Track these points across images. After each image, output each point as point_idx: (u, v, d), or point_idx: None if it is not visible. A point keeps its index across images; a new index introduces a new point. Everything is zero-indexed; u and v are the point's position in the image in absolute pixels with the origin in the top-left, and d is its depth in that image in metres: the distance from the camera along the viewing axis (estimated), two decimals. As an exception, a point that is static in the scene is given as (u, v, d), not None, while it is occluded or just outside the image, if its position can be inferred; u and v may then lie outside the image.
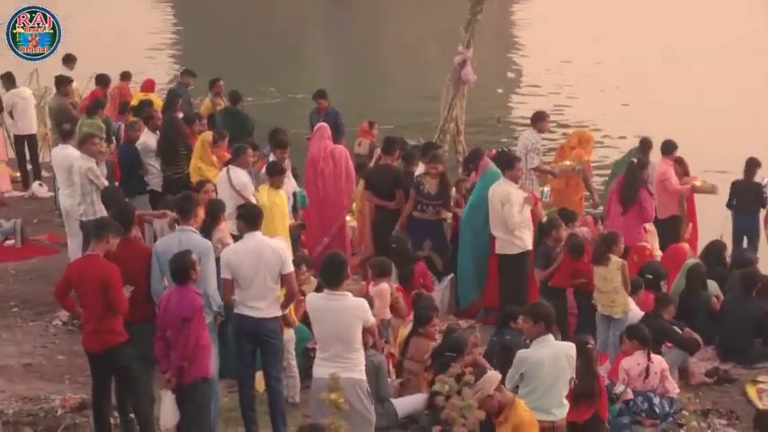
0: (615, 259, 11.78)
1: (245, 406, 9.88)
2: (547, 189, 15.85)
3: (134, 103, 17.35)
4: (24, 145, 17.77)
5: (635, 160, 14.30)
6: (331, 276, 8.83)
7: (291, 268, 9.76)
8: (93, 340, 9.26)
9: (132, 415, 9.62)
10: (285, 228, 12.26)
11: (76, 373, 10.82)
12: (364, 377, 8.83)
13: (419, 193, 13.60)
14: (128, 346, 9.22)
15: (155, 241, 11.68)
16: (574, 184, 14.97)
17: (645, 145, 15.23)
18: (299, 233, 13.30)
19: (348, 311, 8.68)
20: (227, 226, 11.37)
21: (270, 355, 9.72)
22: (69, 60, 18.65)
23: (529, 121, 16.61)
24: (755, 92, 26.58)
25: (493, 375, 7.48)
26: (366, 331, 8.91)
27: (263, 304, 9.56)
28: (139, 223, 11.92)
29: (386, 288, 11.60)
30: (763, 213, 15.19)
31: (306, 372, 10.13)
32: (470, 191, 13.86)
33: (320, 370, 8.71)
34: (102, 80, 18.22)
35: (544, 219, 13.65)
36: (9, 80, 17.84)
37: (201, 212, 11.22)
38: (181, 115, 15.41)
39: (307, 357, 10.64)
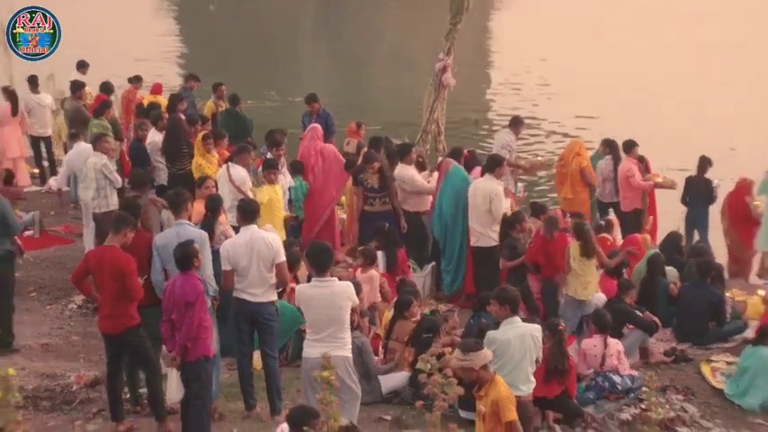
0: (580, 245, 11.92)
1: (244, 382, 9.95)
2: (521, 185, 16.00)
3: (145, 104, 17.45)
4: (40, 144, 17.77)
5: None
6: (319, 263, 8.97)
7: (283, 258, 9.80)
8: (109, 323, 9.33)
9: (141, 390, 9.74)
10: (280, 220, 12.36)
11: (90, 352, 10.87)
12: (351, 355, 8.99)
13: (365, 189, 13.83)
14: (140, 328, 9.30)
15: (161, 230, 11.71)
16: (581, 189, 15.05)
17: (612, 146, 15.28)
18: (294, 224, 13.42)
19: (338, 295, 8.83)
20: (228, 218, 11.45)
21: (266, 336, 9.82)
22: (83, 66, 18.72)
23: (504, 123, 16.81)
24: (718, 94, 26.52)
25: (487, 354, 7.54)
26: (353, 311, 9.12)
27: (259, 290, 9.64)
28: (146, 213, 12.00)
29: (375, 274, 11.80)
30: (712, 208, 15.34)
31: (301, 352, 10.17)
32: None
33: (311, 350, 8.84)
34: (105, 87, 18.32)
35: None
36: (33, 84, 17.84)
37: (201, 206, 11.31)
38: (182, 116, 15.47)
39: (300, 338, 10.71)
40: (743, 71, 29.14)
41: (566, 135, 23.00)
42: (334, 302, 8.84)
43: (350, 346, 8.97)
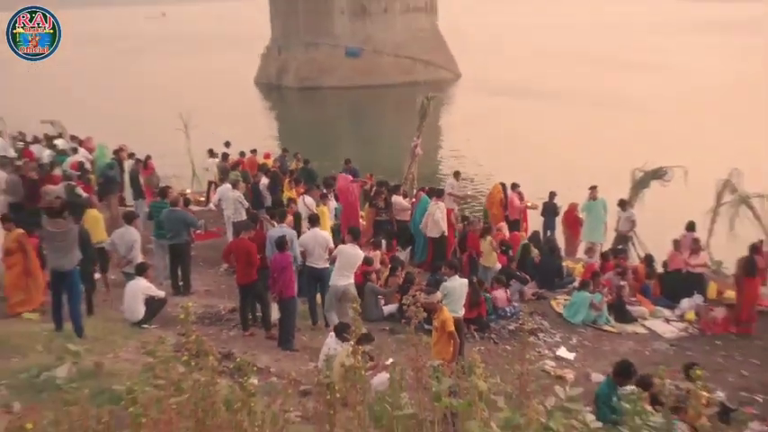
0: (490, 239, 12.02)
1: (311, 310, 10.06)
2: (457, 207, 16.02)
3: (260, 163, 17.55)
4: (211, 185, 17.56)
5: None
6: (354, 235, 9.74)
7: (332, 245, 9.99)
8: (242, 279, 9.47)
9: (258, 314, 9.83)
10: (328, 226, 12.42)
11: (231, 294, 10.92)
12: (353, 281, 9.62)
13: (376, 209, 13.94)
14: (258, 281, 9.39)
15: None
16: (499, 206, 14.91)
17: (503, 186, 15.23)
18: (334, 229, 13.51)
19: (358, 255, 9.60)
20: (304, 224, 11.54)
21: (324, 286, 9.90)
22: (228, 145, 18.62)
23: (451, 174, 16.96)
24: (566, 148, 25.97)
25: (438, 295, 7.65)
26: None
27: (320, 262, 9.83)
28: (261, 222, 12.10)
29: (378, 253, 11.83)
30: (557, 219, 15.33)
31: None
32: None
33: (337, 282, 9.44)
34: (241, 154, 18.31)
35: (457, 223, 13.98)
36: (212, 153, 17.83)
37: (291, 218, 11.43)
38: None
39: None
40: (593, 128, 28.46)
41: (483, 177, 23.03)
42: (356, 258, 9.52)
43: (353, 278, 9.59)
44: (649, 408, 2.98)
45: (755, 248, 11.53)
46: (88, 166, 15.97)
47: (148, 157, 16.85)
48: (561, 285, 12.58)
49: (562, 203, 15.36)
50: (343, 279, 9.37)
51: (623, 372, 6.39)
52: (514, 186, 15.20)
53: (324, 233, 10.13)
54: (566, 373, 9.00)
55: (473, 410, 2.61)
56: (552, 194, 15.47)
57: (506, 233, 13.83)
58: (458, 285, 8.79)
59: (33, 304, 9.28)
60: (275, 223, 10.64)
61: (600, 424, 2.84)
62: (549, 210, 15.36)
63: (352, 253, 9.45)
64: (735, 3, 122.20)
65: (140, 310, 9.31)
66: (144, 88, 49.27)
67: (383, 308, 10.68)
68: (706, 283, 12.22)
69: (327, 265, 9.83)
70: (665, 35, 70.12)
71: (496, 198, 15.04)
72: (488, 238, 12.00)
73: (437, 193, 13.48)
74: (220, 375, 3.47)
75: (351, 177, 14.72)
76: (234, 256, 9.57)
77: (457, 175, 16.67)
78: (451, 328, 7.40)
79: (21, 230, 9.36)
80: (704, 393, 2.96)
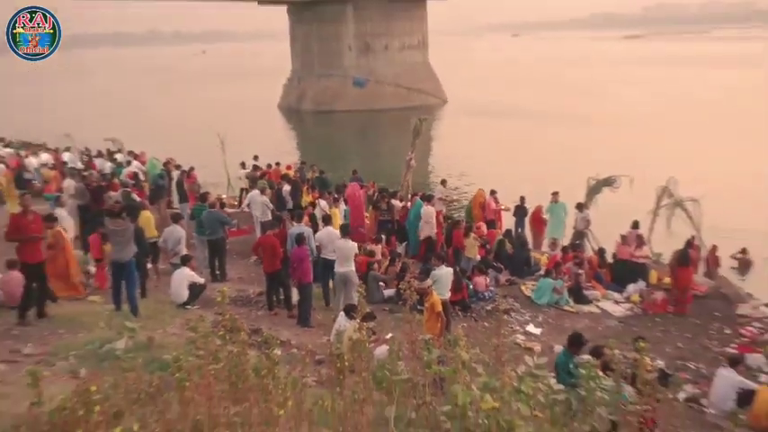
0: (474, 235, 11.96)
1: (325, 293, 9.98)
2: (444, 208, 15.94)
3: (283, 173, 17.46)
4: (243, 191, 17.44)
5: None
6: (344, 231, 9.59)
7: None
8: (268, 267, 9.40)
9: (281, 297, 9.76)
10: (338, 225, 12.38)
11: (259, 280, 10.88)
12: (354, 269, 9.45)
13: (379, 210, 13.80)
14: (282, 270, 9.34)
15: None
16: (480, 208, 14.85)
17: (485, 191, 15.26)
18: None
19: (352, 247, 9.41)
20: (320, 224, 11.47)
21: (335, 275, 9.81)
22: (256, 158, 18.57)
23: (439, 182, 16.88)
24: (533, 159, 25.26)
25: (428, 282, 7.63)
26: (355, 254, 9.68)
27: (333, 255, 9.71)
28: (284, 221, 12.07)
29: (380, 247, 11.78)
30: (526, 219, 15.22)
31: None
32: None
33: (339, 269, 9.34)
34: (267, 165, 18.15)
35: (444, 223, 13.79)
36: (242, 165, 17.66)
37: (307, 219, 11.38)
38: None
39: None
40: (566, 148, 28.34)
41: (468, 184, 22.95)
42: (349, 249, 9.33)
43: (353, 266, 9.42)
44: (601, 373, 2.97)
45: (689, 243, 11.55)
46: (142, 176, 15.97)
47: (192, 168, 16.82)
48: (529, 273, 12.52)
49: (530, 206, 15.26)
50: (344, 267, 9.37)
51: (575, 342, 6.43)
52: (492, 192, 15.16)
53: (336, 231, 10.08)
54: (533, 346, 8.98)
55: (457, 376, 2.61)
56: (522, 199, 15.39)
57: (485, 230, 13.81)
58: (444, 273, 8.75)
59: (77, 292, 9.22)
60: (295, 222, 10.62)
61: (561, 387, 2.83)
62: (520, 211, 15.27)
63: (346, 245, 9.43)
64: (676, 42, 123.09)
65: (185, 294, 9.30)
66: (188, 111, 49.29)
67: (384, 292, 10.65)
68: (648, 271, 12.18)
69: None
70: (618, 67, 70.01)
71: (479, 201, 14.98)
72: (472, 235, 11.96)
73: (428, 198, 13.43)
74: (250, 347, 3.46)
75: (357, 185, 14.68)
76: (261, 250, 9.56)
77: (444, 182, 16.64)
78: (439, 308, 7.40)
79: (59, 229, 9.28)
80: (647, 361, 2.96)
